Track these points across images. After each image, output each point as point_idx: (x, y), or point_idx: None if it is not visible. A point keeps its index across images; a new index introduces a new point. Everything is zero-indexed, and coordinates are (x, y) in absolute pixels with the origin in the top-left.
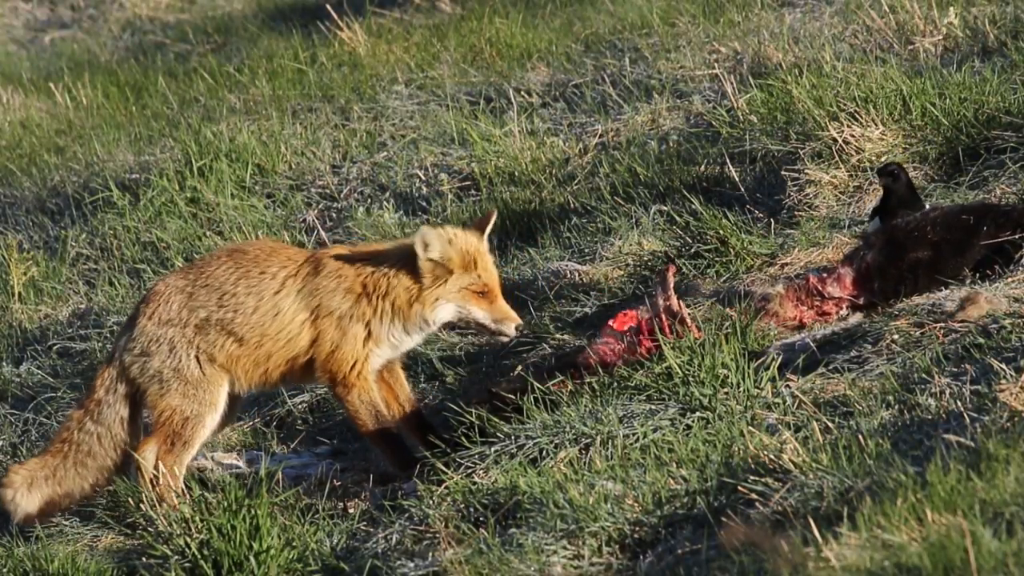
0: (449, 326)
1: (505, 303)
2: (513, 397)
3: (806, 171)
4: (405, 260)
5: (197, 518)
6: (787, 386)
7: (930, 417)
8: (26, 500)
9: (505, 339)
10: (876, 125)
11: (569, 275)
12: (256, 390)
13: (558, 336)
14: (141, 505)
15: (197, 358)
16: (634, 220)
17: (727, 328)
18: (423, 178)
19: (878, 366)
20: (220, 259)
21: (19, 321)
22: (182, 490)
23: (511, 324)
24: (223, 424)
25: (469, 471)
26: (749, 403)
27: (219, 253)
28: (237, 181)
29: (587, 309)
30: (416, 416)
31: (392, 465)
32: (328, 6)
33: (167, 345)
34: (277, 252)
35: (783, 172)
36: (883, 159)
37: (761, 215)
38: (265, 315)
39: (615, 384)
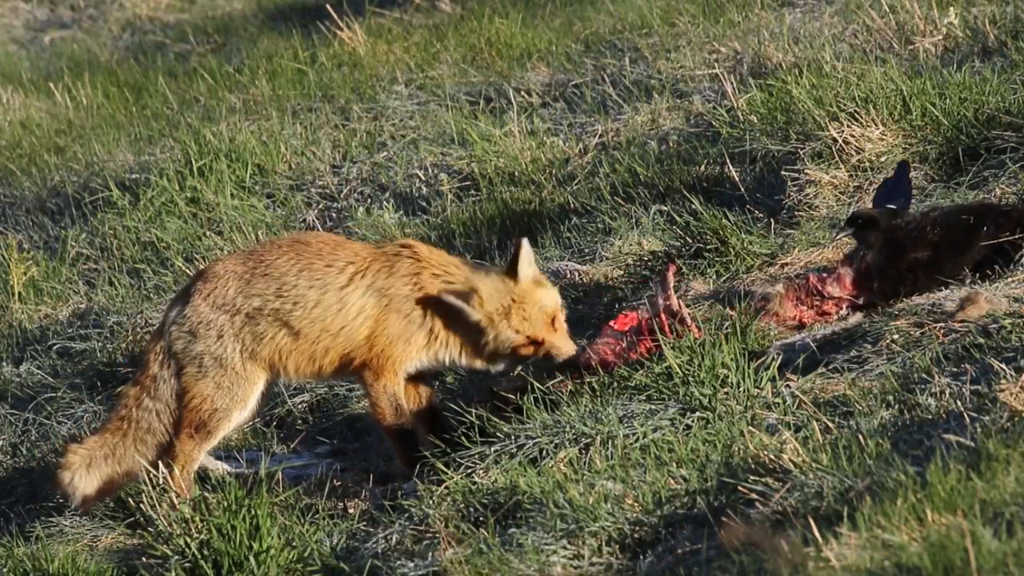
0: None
1: (559, 338)
2: (514, 397)
3: (806, 171)
4: (460, 318)
5: (197, 518)
6: (787, 386)
7: (930, 417)
8: (84, 482)
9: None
10: (876, 125)
11: (569, 275)
12: (305, 382)
13: None
14: (141, 505)
15: (240, 352)
16: (634, 220)
17: (727, 328)
18: (423, 178)
19: (878, 366)
20: (281, 248)
21: (19, 321)
22: (195, 479)
23: (560, 356)
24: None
25: (469, 471)
26: (749, 403)
27: (280, 242)
28: (237, 181)
29: (587, 309)
30: (430, 411)
31: (400, 460)
32: (328, 6)
33: (216, 331)
34: (342, 246)
35: (783, 172)
36: (883, 159)
37: (761, 215)
38: (327, 309)
39: (615, 384)
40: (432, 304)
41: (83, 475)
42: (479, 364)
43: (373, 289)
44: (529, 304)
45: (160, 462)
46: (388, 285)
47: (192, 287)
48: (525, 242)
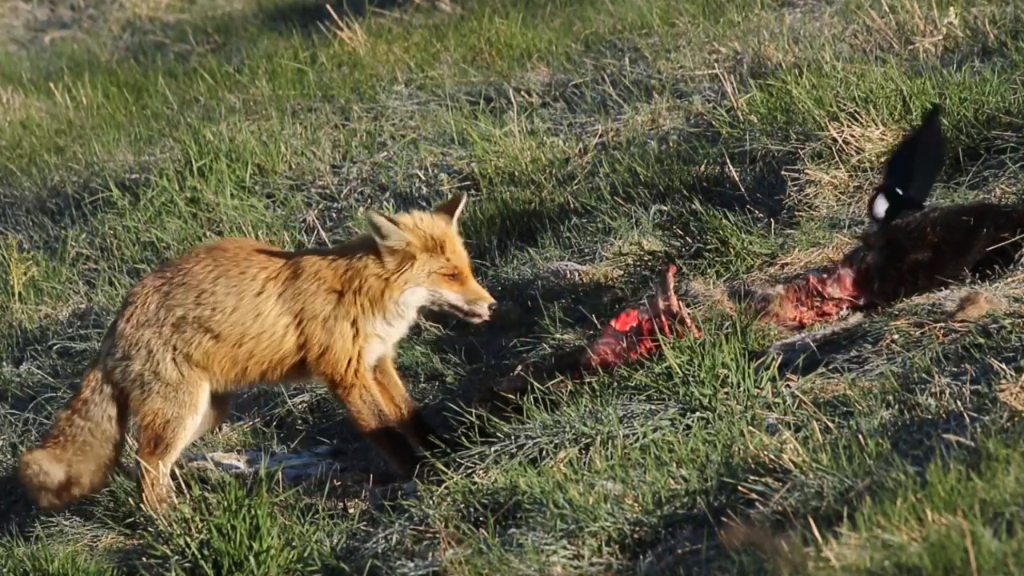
0: (423, 311)
1: (477, 284)
2: (513, 397)
3: (806, 171)
4: (369, 248)
5: (197, 518)
6: (787, 386)
7: (930, 417)
8: (54, 469)
9: (478, 320)
10: (876, 125)
11: (569, 275)
12: (233, 387)
13: (558, 336)
14: (141, 505)
15: (174, 359)
16: (634, 220)
17: (727, 328)
18: (423, 178)
19: (878, 366)
20: (198, 257)
21: (19, 321)
22: (168, 490)
23: (484, 304)
24: (215, 423)
25: (469, 471)
26: (749, 403)
27: (197, 251)
28: (237, 181)
29: (587, 309)
30: (414, 416)
31: (395, 465)
32: (328, 6)
33: (145, 348)
34: (256, 253)
35: (783, 172)
36: (883, 159)
37: (761, 215)
38: (245, 315)
39: (615, 384)
40: (339, 289)
41: (49, 463)
42: (394, 308)
43: (286, 296)
44: (459, 242)
45: (143, 465)
46: (297, 288)
47: (117, 315)
48: (465, 196)
